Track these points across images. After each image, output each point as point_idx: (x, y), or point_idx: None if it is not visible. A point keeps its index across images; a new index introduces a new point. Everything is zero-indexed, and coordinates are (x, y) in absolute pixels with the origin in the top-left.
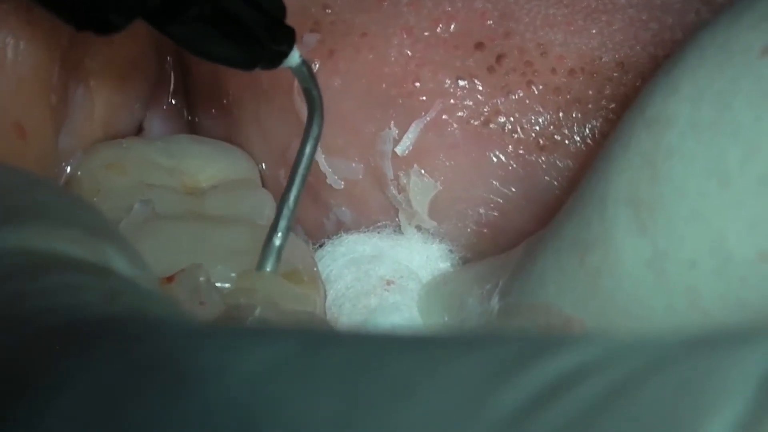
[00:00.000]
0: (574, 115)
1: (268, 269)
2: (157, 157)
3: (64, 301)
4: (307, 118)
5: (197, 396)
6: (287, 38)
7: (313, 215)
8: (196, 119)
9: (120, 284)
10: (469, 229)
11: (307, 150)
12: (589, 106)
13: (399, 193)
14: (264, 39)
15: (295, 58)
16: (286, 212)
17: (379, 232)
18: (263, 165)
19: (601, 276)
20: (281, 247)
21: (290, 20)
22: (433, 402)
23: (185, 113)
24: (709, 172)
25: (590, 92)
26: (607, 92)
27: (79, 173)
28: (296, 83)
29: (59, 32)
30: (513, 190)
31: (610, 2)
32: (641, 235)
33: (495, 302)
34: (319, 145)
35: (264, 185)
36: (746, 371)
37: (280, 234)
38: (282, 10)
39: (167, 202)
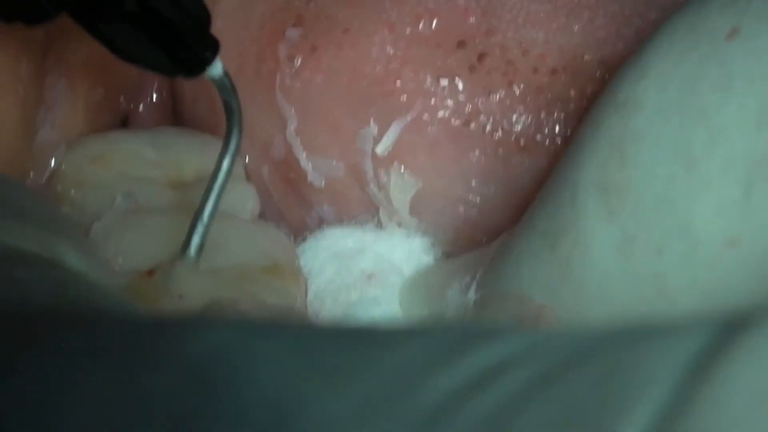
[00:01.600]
0: (555, 115)
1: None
2: (142, 150)
3: (12, 294)
4: (226, 132)
5: (137, 383)
6: (212, 46)
7: (296, 214)
8: (182, 112)
9: (67, 277)
10: (448, 226)
11: (224, 165)
12: (571, 106)
13: (379, 191)
14: (190, 43)
15: (218, 68)
16: (200, 228)
17: (362, 226)
18: (247, 158)
19: (571, 263)
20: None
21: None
22: (366, 389)
23: (171, 106)
24: (676, 156)
25: (572, 92)
26: (589, 92)
27: (63, 166)
28: (277, 80)
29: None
30: (493, 189)
31: None
32: (611, 221)
33: (472, 294)
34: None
35: (247, 179)
36: (670, 361)
37: (193, 251)
38: (207, 17)
39: (151, 195)
